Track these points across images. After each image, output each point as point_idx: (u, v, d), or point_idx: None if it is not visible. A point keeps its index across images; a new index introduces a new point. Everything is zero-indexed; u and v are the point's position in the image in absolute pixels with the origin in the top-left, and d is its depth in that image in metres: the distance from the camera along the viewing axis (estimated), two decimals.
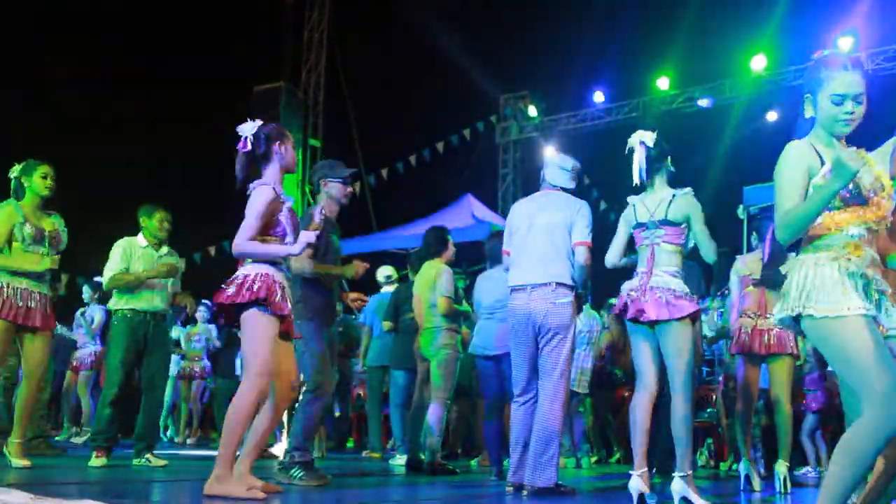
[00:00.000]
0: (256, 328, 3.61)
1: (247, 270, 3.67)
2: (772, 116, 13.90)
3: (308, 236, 3.71)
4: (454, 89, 16.13)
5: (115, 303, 5.69)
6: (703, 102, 14.25)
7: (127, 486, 4.29)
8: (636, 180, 4.19)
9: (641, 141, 4.17)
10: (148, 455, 5.53)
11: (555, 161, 4.81)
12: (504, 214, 15.80)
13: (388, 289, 8.29)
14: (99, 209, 11.54)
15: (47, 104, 14.84)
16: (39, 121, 14.45)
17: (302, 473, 4.57)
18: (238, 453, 3.69)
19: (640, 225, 4.22)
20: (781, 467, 5.24)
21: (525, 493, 4.39)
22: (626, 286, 4.17)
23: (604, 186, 14.07)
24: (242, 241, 3.65)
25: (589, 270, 4.55)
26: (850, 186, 2.56)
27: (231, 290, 3.61)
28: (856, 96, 2.63)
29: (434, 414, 6.01)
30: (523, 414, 4.58)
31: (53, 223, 5.22)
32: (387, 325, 7.47)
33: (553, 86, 16.39)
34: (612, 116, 15.47)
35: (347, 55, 16.62)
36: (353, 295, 5.28)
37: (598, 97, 15.54)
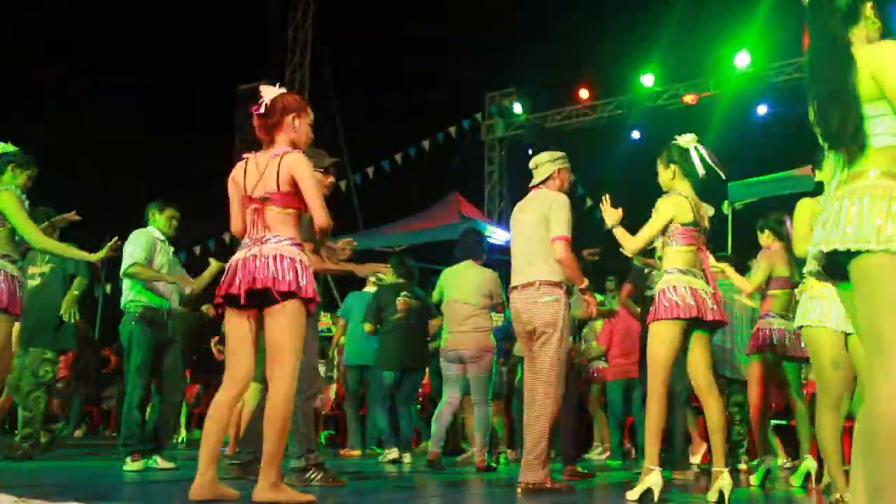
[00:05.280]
0: (300, 325, 3.47)
1: (294, 255, 3.48)
2: (760, 111, 13.95)
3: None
4: (439, 87, 16.14)
5: (131, 298, 5.53)
6: (688, 99, 14.31)
7: (113, 489, 4.26)
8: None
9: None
10: (156, 456, 5.46)
11: (533, 162, 4.82)
12: (490, 212, 15.92)
13: (370, 289, 8.10)
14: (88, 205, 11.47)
15: (39, 102, 14.78)
16: (33, 120, 14.38)
17: (320, 475, 4.45)
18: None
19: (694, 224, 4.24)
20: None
21: (519, 490, 4.36)
22: (686, 283, 4.10)
23: (589, 184, 14.08)
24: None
25: (573, 264, 4.46)
26: None
27: (290, 276, 3.40)
28: None
29: (475, 416, 6.26)
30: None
31: None
32: (368, 327, 7.28)
33: (538, 83, 16.43)
34: (598, 113, 15.51)
35: (332, 53, 16.59)
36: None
37: (584, 94, 15.58)
